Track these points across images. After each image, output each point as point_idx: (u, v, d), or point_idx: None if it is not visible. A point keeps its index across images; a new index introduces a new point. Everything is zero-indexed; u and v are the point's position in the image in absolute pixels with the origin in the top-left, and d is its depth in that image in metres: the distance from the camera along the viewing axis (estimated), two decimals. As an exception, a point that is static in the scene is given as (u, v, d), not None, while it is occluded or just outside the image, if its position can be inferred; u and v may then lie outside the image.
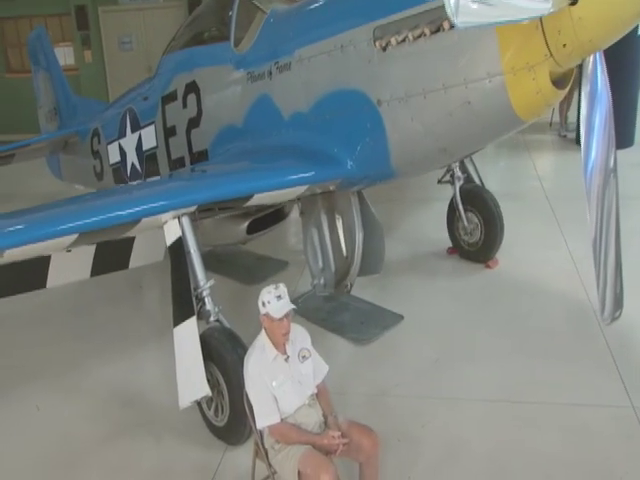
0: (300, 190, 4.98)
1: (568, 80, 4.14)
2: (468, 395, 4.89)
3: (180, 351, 4.45)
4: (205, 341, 4.39)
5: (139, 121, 7.25)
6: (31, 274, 5.40)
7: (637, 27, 10.03)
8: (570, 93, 11.84)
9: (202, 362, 4.28)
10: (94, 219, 4.11)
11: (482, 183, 7.05)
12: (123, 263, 6.09)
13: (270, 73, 5.44)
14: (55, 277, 5.52)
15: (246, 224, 6.42)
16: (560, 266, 6.80)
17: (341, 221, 5.76)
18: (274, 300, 3.49)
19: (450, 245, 7.27)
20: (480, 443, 4.38)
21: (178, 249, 4.52)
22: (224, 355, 4.32)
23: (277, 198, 5.07)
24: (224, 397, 4.38)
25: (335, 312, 6.15)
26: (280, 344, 3.60)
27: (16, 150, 8.72)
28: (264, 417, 3.53)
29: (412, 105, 4.48)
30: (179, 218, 4.51)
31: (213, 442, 4.54)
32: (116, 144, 7.70)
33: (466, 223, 6.88)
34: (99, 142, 8.16)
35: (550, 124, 11.95)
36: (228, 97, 5.94)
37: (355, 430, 3.55)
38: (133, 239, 6.00)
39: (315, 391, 3.70)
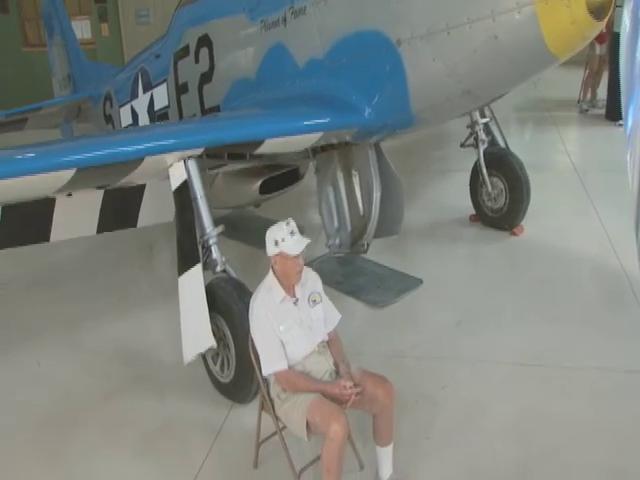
0: (314, 138, 4.69)
1: (607, 9, 3.79)
2: (492, 358, 4.59)
3: (185, 301, 4.21)
4: (211, 291, 4.13)
5: (151, 80, 7.00)
6: (34, 226, 5.20)
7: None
8: (600, 71, 11.46)
9: (207, 312, 4.03)
10: (94, 153, 3.85)
11: (507, 146, 6.70)
12: (131, 221, 5.87)
13: (284, 20, 5.15)
14: (59, 231, 5.32)
15: (259, 183, 6.19)
16: (591, 234, 6.44)
17: (358, 177, 5.46)
18: (288, 237, 3.21)
19: (473, 213, 6.92)
20: (504, 406, 4.10)
21: (183, 194, 4.26)
22: (230, 305, 4.06)
23: (290, 146, 4.77)
24: (230, 350, 4.13)
25: (351, 276, 5.86)
26: (290, 286, 3.32)
27: (28, 114, 8.50)
28: (270, 363, 3.26)
29: (434, 43, 4.17)
30: (185, 161, 4.24)
31: (218, 400, 4.29)
32: (128, 106, 7.47)
33: (490, 188, 6.53)
34: (111, 106, 7.93)
35: (578, 101, 11.51)
36: (241, 48, 5.65)
37: (368, 380, 3.26)
38: (141, 195, 5.79)
39: (326, 338, 3.43)
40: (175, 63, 6.54)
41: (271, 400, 3.38)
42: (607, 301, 5.27)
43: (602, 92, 11.25)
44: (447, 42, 4.12)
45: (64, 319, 5.48)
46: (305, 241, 3.22)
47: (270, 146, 4.54)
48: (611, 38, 10.42)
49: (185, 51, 6.37)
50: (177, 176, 4.24)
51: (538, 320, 5.01)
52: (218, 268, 4.32)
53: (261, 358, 3.28)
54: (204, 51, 6.10)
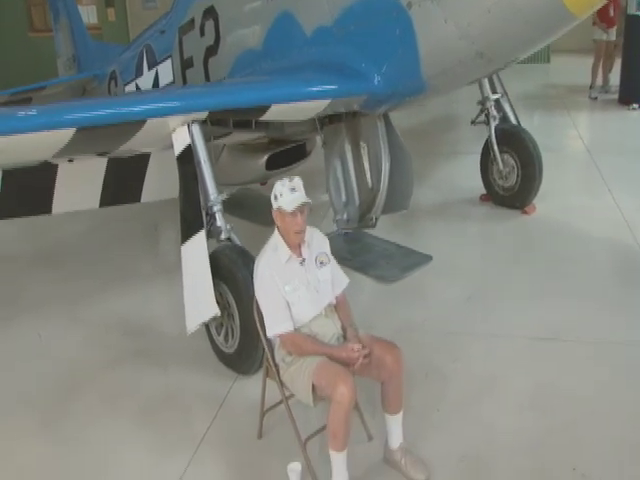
0: (322, 105, 4.55)
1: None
2: (506, 332, 4.45)
3: (188, 269, 4.08)
4: (215, 259, 4.01)
5: (156, 57, 6.87)
6: (36, 196, 5.10)
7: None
8: (612, 56, 11.28)
9: (211, 279, 3.90)
10: (94, 113, 3.72)
11: (519, 123, 6.54)
12: (135, 195, 5.77)
13: None
14: (61, 202, 5.22)
15: (265, 158, 6.08)
16: (605, 213, 6.29)
17: (367, 149, 5.32)
18: (287, 192, 3.07)
19: (483, 192, 6.77)
20: (518, 380, 3.95)
21: (187, 159, 4.13)
22: (235, 272, 3.93)
23: (297, 113, 4.63)
24: (234, 320, 4.00)
25: (359, 252, 5.72)
26: (294, 245, 3.18)
27: (32, 93, 8.37)
28: (275, 324, 3.12)
29: (446, 4, 4.02)
30: (189, 125, 4.11)
31: (222, 371, 4.17)
32: (133, 84, 7.33)
33: (501, 166, 6.38)
34: (116, 85, 7.80)
35: (591, 87, 11.32)
36: (247, 19, 5.51)
37: (377, 345, 3.13)
38: (145, 169, 5.68)
39: (333, 302, 3.29)
40: (180, 38, 6.42)
41: (276, 365, 3.25)
42: (624, 277, 5.14)
43: (614, 78, 11.08)
44: (459, 2, 3.99)
45: (66, 294, 5.37)
46: (303, 199, 3.08)
47: (276, 112, 4.40)
48: (626, 21, 10.27)
49: (190, 25, 6.23)
50: (180, 141, 4.12)
51: (553, 296, 4.86)
52: (222, 236, 4.19)
53: (266, 320, 3.15)
54: (210, 24, 5.95)
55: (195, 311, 4.05)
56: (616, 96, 10.75)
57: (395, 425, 3.22)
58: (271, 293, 3.12)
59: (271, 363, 3.27)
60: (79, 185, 5.34)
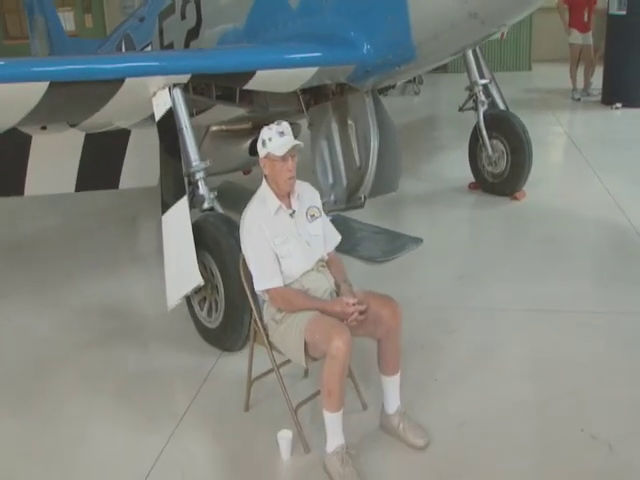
0: (309, 74, 4.38)
1: None
2: (501, 305, 4.29)
3: (169, 240, 3.86)
4: (198, 228, 3.79)
5: (135, 45, 6.68)
6: (7, 175, 4.87)
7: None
8: (592, 61, 11.28)
9: (194, 248, 3.67)
10: (70, 66, 3.51)
11: (507, 108, 6.43)
12: (113, 181, 5.56)
13: None
14: (35, 183, 5.01)
15: (248, 142, 5.90)
16: (596, 198, 6.17)
17: (354, 127, 5.13)
18: (276, 136, 2.88)
19: (472, 181, 6.62)
20: (517, 350, 3.79)
21: (168, 124, 3.92)
22: (219, 240, 3.72)
23: (283, 82, 4.44)
24: (219, 291, 3.77)
25: (347, 235, 5.47)
26: (284, 195, 2.98)
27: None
28: (264, 279, 2.91)
29: None
30: (170, 89, 3.91)
31: (206, 349, 3.93)
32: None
33: (490, 151, 6.22)
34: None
35: (573, 90, 11.28)
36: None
37: (373, 300, 2.92)
38: (124, 152, 5.49)
39: (325, 257, 3.09)
40: (160, 24, 6.25)
41: (264, 327, 3.03)
42: (619, 253, 5.04)
43: (597, 82, 11.04)
44: None
45: (38, 279, 5.11)
46: (291, 142, 2.88)
47: (262, 80, 4.22)
48: (607, 21, 10.29)
49: (170, 9, 6.07)
50: (161, 105, 3.91)
51: (548, 272, 4.72)
52: (205, 205, 3.99)
53: (254, 274, 2.93)
54: (191, 6, 5.79)
55: (177, 284, 3.83)
56: (599, 98, 10.72)
57: (392, 388, 3.01)
58: (259, 246, 2.90)
59: (259, 324, 3.05)
60: (54, 165, 5.13)
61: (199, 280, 3.67)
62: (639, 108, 9.80)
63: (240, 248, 3.04)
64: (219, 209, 4.00)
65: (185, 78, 3.93)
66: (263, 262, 2.90)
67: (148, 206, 6.20)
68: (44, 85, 3.42)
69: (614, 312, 4.11)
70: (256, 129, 6.04)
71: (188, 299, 3.98)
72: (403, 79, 6.39)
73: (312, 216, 3.06)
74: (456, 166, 7.05)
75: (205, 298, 3.91)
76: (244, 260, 3.03)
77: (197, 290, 3.89)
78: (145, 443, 3.14)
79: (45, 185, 5.18)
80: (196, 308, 3.97)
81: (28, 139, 4.89)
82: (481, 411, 3.23)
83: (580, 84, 11.26)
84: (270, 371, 3.26)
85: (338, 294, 2.97)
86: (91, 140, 5.23)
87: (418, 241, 5.33)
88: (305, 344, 2.80)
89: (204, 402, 3.45)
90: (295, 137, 6.04)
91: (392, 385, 3.01)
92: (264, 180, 3.01)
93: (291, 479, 2.93)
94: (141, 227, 6.43)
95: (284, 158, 2.87)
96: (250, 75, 4.16)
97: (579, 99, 11.04)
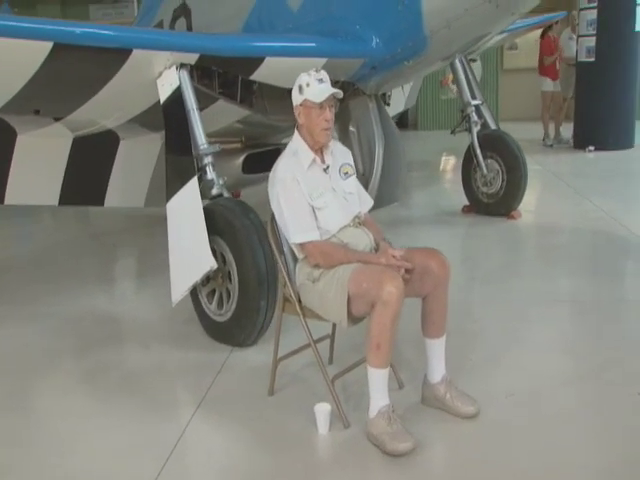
0: (317, 65, 4.23)
1: None
2: (520, 297, 4.19)
3: (175, 227, 3.61)
4: (209, 211, 3.53)
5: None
6: None
7: (634, 22, 9.99)
8: (562, 109, 11.56)
9: (205, 228, 3.42)
10: (77, 29, 3.31)
11: (499, 128, 6.42)
12: (98, 197, 5.32)
13: None
14: (15, 192, 4.73)
15: (242, 159, 5.74)
16: (591, 215, 6.15)
17: (357, 134, 5.02)
18: (314, 82, 2.71)
19: (465, 204, 6.52)
20: (544, 332, 3.65)
21: (175, 105, 3.72)
22: (232, 221, 3.48)
23: (290, 75, 4.30)
24: (232, 279, 3.49)
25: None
26: (318, 148, 2.78)
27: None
28: (301, 232, 2.68)
29: None
30: (177, 68, 3.73)
31: (215, 346, 3.63)
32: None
33: (485, 171, 6.14)
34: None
35: (544, 137, 11.48)
36: (225, 6, 5.29)
37: (417, 253, 2.72)
38: (110, 168, 5.27)
39: (361, 215, 2.88)
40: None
41: (297, 292, 2.78)
42: (624, 255, 5.04)
43: (567, 132, 11.25)
44: None
45: (21, 296, 4.75)
46: (331, 89, 2.71)
47: (270, 68, 4.08)
48: (577, 68, 10.58)
49: (159, 26, 5.99)
50: (167, 85, 3.72)
51: (558, 272, 4.72)
52: (214, 191, 3.77)
53: (289, 228, 2.69)
54: (181, 22, 5.71)
55: (184, 274, 3.55)
56: (571, 144, 10.90)
57: (438, 352, 2.77)
58: (295, 197, 2.68)
59: (289, 286, 2.78)
60: (38, 174, 4.88)
61: (212, 262, 3.40)
62: (612, 151, 9.96)
63: (270, 188, 2.80)
64: (229, 196, 3.78)
65: (193, 58, 3.77)
66: (299, 214, 2.68)
67: (128, 235, 6.03)
68: (48, 45, 3.21)
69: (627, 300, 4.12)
70: (248, 148, 5.92)
71: (194, 295, 3.70)
72: (406, 81, 6.33)
73: (346, 173, 2.88)
74: (447, 191, 7.28)
75: (214, 291, 3.63)
76: (272, 217, 2.80)
77: (205, 282, 3.63)
78: (161, 429, 2.82)
79: (27, 194, 4.92)
80: (204, 302, 3.68)
81: (12, 141, 4.66)
82: (526, 383, 3.04)
83: (551, 131, 11.48)
84: (299, 349, 3.01)
85: (378, 251, 2.75)
86: (78, 148, 5.01)
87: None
88: (348, 298, 2.54)
89: (222, 390, 3.15)
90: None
91: (438, 349, 2.77)
92: (296, 132, 2.83)
93: (332, 454, 2.62)
94: (120, 253, 6.08)
95: (322, 106, 2.70)
96: (258, 62, 4.03)
97: (551, 145, 11.22)
